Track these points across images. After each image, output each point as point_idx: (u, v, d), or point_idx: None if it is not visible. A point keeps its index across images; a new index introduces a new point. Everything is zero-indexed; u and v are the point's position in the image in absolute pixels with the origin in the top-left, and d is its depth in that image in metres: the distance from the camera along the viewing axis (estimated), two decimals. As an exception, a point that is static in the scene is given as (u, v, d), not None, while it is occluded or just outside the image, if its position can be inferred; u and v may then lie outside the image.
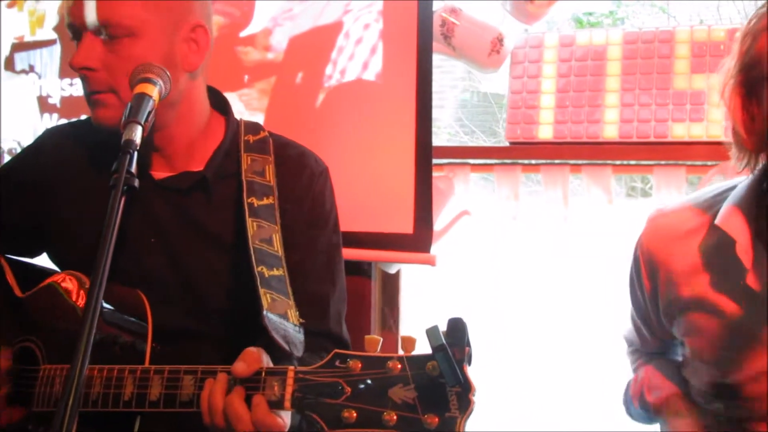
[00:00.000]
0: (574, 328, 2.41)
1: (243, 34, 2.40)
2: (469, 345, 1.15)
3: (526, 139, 2.38)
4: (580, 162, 2.33)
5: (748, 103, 1.39)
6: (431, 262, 2.28)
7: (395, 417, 1.15)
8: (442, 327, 1.16)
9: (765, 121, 1.35)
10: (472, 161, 2.44)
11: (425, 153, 2.22)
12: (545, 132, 2.36)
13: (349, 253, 2.29)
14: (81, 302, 1.54)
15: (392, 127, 2.25)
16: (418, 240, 2.23)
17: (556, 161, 2.34)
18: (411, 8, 2.21)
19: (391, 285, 2.57)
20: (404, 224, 2.24)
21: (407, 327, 2.53)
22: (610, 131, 2.30)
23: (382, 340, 1.20)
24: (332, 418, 1.18)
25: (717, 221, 1.46)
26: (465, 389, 1.14)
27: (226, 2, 2.41)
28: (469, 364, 1.15)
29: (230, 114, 1.69)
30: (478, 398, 2.42)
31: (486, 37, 2.37)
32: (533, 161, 2.39)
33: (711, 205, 1.51)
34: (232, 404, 1.25)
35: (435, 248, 2.45)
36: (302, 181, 1.64)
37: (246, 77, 2.40)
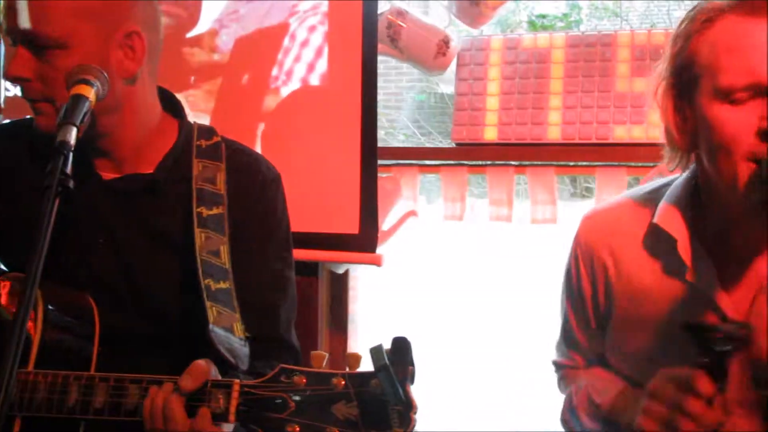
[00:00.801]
0: (519, 325, 2.44)
1: (189, 35, 2.40)
2: (412, 364, 1.16)
3: (472, 140, 2.41)
4: (524, 163, 2.37)
5: (680, 105, 1.42)
6: (377, 262, 2.30)
7: None
8: (387, 345, 1.17)
9: (697, 122, 1.38)
10: (419, 162, 2.46)
11: (370, 154, 2.24)
12: (491, 133, 2.39)
13: (296, 254, 2.30)
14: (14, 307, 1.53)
15: (338, 128, 2.27)
16: (364, 240, 2.25)
17: (501, 162, 2.38)
18: (356, 10, 2.23)
19: (339, 285, 2.58)
20: (350, 224, 2.26)
21: (355, 326, 2.54)
22: (554, 133, 2.34)
23: (328, 356, 1.21)
24: None
25: (656, 220, 1.48)
26: (407, 407, 1.15)
27: (172, 3, 2.40)
28: (412, 383, 1.17)
29: (184, 117, 1.67)
30: (420, 414, 2.45)
31: (432, 40, 2.40)
32: (479, 162, 2.42)
33: (649, 200, 1.53)
34: (171, 406, 1.26)
35: (383, 248, 2.48)
36: (254, 189, 1.64)
37: (192, 78, 2.40)
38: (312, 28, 2.28)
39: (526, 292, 2.44)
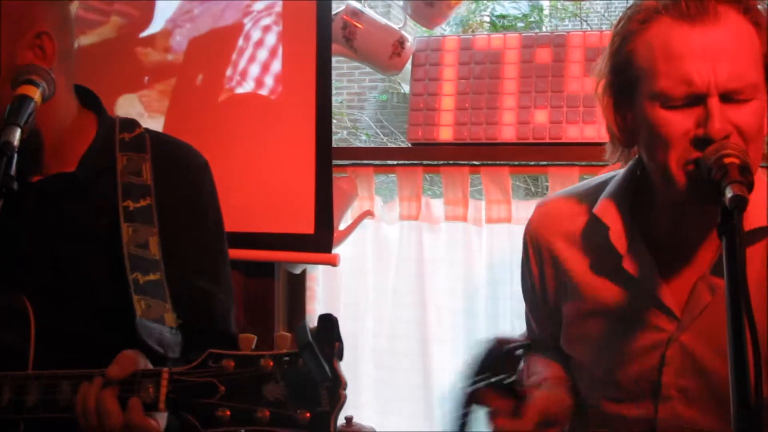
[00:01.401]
0: (475, 323, 2.45)
1: (143, 34, 2.39)
2: (339, 340, 1.16)
3: (427, 140, 2.42)
4: (478, 163, 2.39)
5: (620, 102, 1.44)
6: (333, 262, 2.31)
7: (268, 414, 1.17)
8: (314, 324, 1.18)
9: (636, 120, 1.40)
10: (375, 162, 2.47)
11: (325, 154, 2.25)
12: (446, 133, 2.41)
13: (251, 254, 2.31)
14: None
15: (293, 128, 2.27)
16: (319, 240, 2.26)
17: (456, 162, 2.39)
18: (310, 11, 2.23)
19: (296, 285, 2.59)
20: (306, 225, 2.26)
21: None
22: (508, 133, 2.36)
23: (256, 338, 1.21)
24: (206, 418, 1.19)
25: (594, 209, 1.51)
26: (335, 384, 1.16)
27: (124, 3, 2.39)
28: (340, 359, 1.17)
29: (102, 112, 1.66)
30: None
31: (387, 40, 2.41)
32: (434, 162, 2.43)
33: (592, 194, 1.56)
34: (104, 400, 1.25)
35: (339, 248, 2.49)
36: (180, 177, 1.63)
37: (146, 78, 2.39)
38: (266, 29, 2.28)
39: (481, 290, 2.45)
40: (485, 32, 5.10)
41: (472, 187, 2.44)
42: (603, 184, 1.56)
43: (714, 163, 1.23)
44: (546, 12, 6.58)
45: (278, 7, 2.28)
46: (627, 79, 1.39)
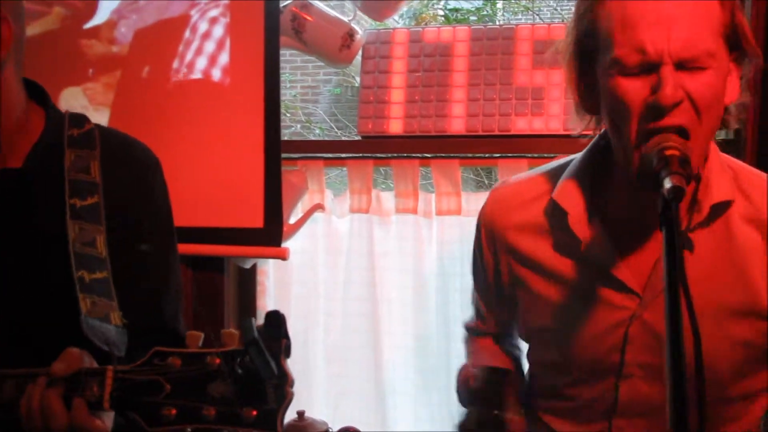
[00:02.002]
0: (426, 315, 2.46)
1: (87, 26, 2.34)
2: (286, 337, 1.15)
3: (377, 133, 2.42)
4: (428, 155, 2.39)
5: (584, 69, 1.43)
6: (283, 256, 2.29)
7: (214, 412, 1.15)
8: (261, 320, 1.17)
9: (598, 88, 1.40)
10: (325, 156, 2.46)
11: (274, 147, 2.23)
12: (396, 126, 2.41)
13: (200, 249, 2.29)
14: None
15: (241, 122, 2.24)
16: (269, 234, 2.24)
17: (406, 155, 2.39)
18: (258, 2, 2.21)
19: (246, 279, 2.57)
20: (255, 219, 2.24)
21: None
22: (457, 125, 2.37)
23: (203, 335, 1.19)
24: (152, 416, 1.17)
25: (553, 194, 1.52)
26: (282, 381, 1.14)
27: (68, -7, 2.35)
28: (287, 356, 1.16)
29: (51, 106, 1.62)
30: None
31: (336, 32, 2.40)
32: (384, 155, 2.43)
33: (551, 177, 1.56)
34: (48, 400, 1.23)
35: (289, 242, 2.47)
36: (130, 175, 1.60)
37: (91, 71, 2.34)
38: (213, 20, 2.25)
39: (432, 281, 2.45)
40: (437, 25, 5.11)
41: (423, 179, 2.45)
42: (562, 167, 1.56)
43: (656, 154, 1.25)
44: (499, 5, 6.61)
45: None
46: (591, 46, 1.40)
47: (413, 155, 2.38)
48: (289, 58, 7.04)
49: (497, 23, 6.33)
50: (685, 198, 1.40)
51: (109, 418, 1.27)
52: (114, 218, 1.53)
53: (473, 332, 1.82)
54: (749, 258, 1.43)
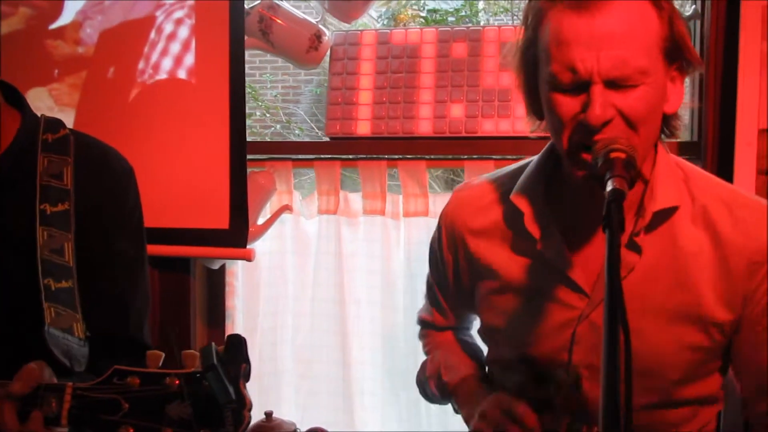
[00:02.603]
0: (395, 318, 2.47)
1: (52, 26, 2.33)
2: (246, 362, 1.17)
3: (345, 134, 2.42)
4: (395, 157, 2.40)
5: (528, 79, 1.46)
6: (248, 257, 2.29)
7: None
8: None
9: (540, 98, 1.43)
10: (293, 157, 2.46)
11: (239, 149, 2.23)
12: (363, 128, 2.41)
13: (165, 250, 2.29)
14: None
15: (207, 123, 2.25)
16: (234, 235, 2.24)
17: (373, 156, 2.40)
18: (223, 4, 2.21)
19: (215, 280, 2.57)
20: (221, 220, 2.24)
21: (232, 322, 2.53)
22: (425, 127, 2.38)
23: (163, 355, 1.20)
24: None
25: (511, 195, 1.53)
26: (240, 405, 1.16)
27: (34, -7, 2.34)
28: (246, 380, 1.18)
29: (26, 110, 1.62)
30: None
31: (304, 34, 2.40)
32: (352, 156, 2.43)
33: (510, 179, 1.58)
34: (2, 413, 1.23)
35: (257, 243, 2.48)
36: (103, 183, 1.60)
37: (56, 71, 2.33)
38: (179, 21, 2.25)
39: (400, 282, 2.46)
40: (417, 26, 5.11)
41: (391, 181, 2.46)
42: (521, 169, 1.59)
43: (602, 156, 1.27)
44: (480, 5, 6.62)
45: (190, 1, 2.25)
46: (533, 57, 1.42)
47: (380, 157, 2.39)
48: (270, 58, 6.99)
49: (479, 24, 6.35)
50: (633, 203, 1.44)
51: None
52: (85, 225, 1.53)
53: (431, 326, 1.84)
54: (696, 262, 1.45)
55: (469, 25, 2.43)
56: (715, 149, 2.02)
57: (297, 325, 2.55)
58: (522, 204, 1.51)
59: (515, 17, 6.69)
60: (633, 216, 1.44)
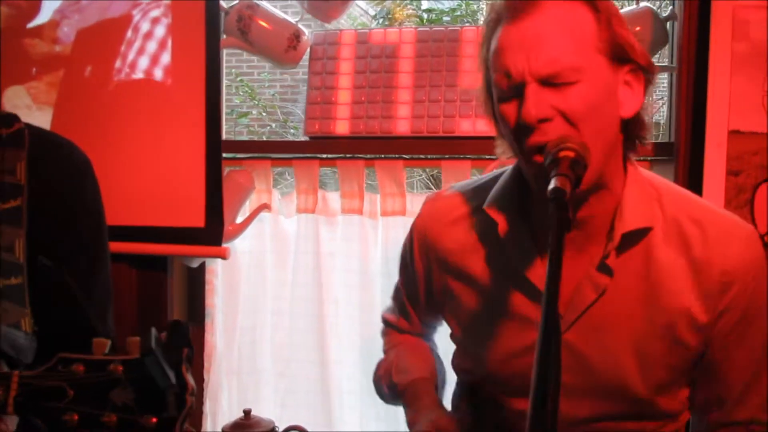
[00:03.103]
0: (372, 317, 2.47)
1: (30, 25, 2.35)
2: (188, 346, 1.19)
3: (324, 133, 2.43)
4: (373, 156, 2.40)
5: (488, 97, 1.47)
6: (223, 255, 2.30)
7: (115, 418, 1.18)
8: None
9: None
10: (272, 156, 2.47)
11: (214, 148, 2.24)
12: (342, 127, 2.42)
13: (142, 248, 2.30)
14: None
15: (183, 122, 2.26)
16: (210, 233, 2.25)
17: (351, 156, 2.40)
18: (199, 3, 2.22)
19: (195, 278, 2.58)
20: (197, 218, 2.25)
21: (212, 320, 2.54)
22: (403, 126, 2.38)
23: (110, 342, 1.21)
24: (54, 421, 1.20)
25: (485, 205, 1.53)
26: (182, 390, 1.17)
27: (12, -7, 2.35)
28: (189, 365, 1.19)
29: None
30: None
31: (282, 33, 2.40)
32: (329, 156, 2.44)
33: (483, 190, 1.57)
34: None
35: (237, 241, 2.49)
36: (59, 176, 1.60)
37: (34, 70, 2.35)
38: (155, 20, 2.26)
39: (378, 281, 2.46)
40: (412, 25, 5.12)
41: (370, 180, 2.46)
42: (495, 180, 1.58)
43: (551, 155, 1.27)
44: (475, 7, 6.63)
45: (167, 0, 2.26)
46: (488, 77, 1.44)
47: (357, 156, 2.39)
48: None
49: (474, 23, 6.35)
50: (604, 224, 1.44)
51: (12, 422, 1.28)
52: (41, 218, 1.53)
53: (394, 328, 1.84)
54: (669, 283, 1.44)
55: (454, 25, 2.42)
56: (687, 150, 2.02)
57: (276, 323, 2.56)
58: (497, 217, 1.51)
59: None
60: (605, 237, 1.45)
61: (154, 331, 1.16)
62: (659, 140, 2.18)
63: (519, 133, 1.35)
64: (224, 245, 2.31)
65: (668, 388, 1.50)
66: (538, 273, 1.48)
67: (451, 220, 1.61)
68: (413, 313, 1.77)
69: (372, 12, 6.60)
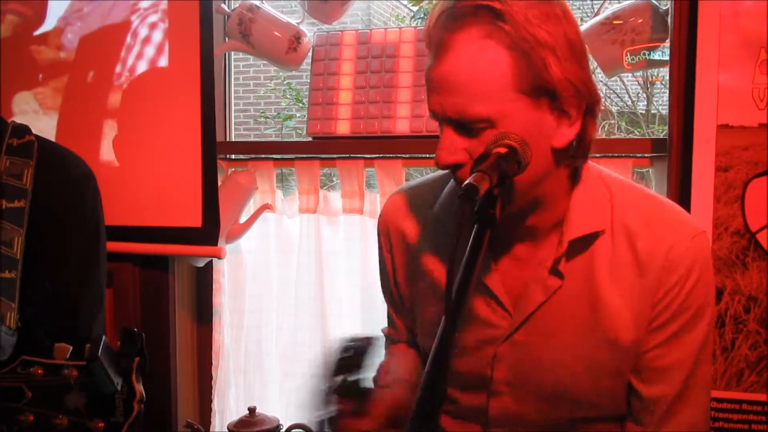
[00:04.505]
0: (374, 316, 2.48)
1: (36, 33, 2.43)
2: (140, 355, 1.24)
3: (326, 134, 2.45)
4: (372, 156, 2.41)
5: None
6: (218, 255, 2.34)
7: (66, 421, 1.26)
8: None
9: None
10: (274, 156, 2.50)
11: (210, 149, 2.28)
12: (343, 127, 2.43)
13: (141, 248, 2.36)
14: None
15: (180, 124, 2.30)
16: (207, 233, 2.29)
17: (350, 156, 2.41)
18: (194, 6, 2.26)
19: (203, 278, 2.63)
20: (194, 218, 2.30)
21: (219, 319, 2.58)
22: (402, 126, 2.38)
23: (71, 348, 1.27)
24: (10, 421, 1.27)
25: (435, 208, 1.54)
26: (130, 396, 1.24)
27: (19, 2, 2.43)
28: (141, 373, 1.25)
29: None
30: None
31: (283, 35, 2.43)
32: (328, 156, 2.45)
33: (442, 184, 1.57)
34: None
35: (244, 241, 2.53)
36: (60, 186, 1.70)
37: (41, 76, 2.43)
38: (153, 26, 2.31)
39: (377, 281, 2.46)
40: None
41: (372, 179, 2.47)
42: (446, 179, 1.57)
43: (485, 150, 1.25)
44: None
45: (164, 5, 2.31)
46: None
47: (356, 156, 2.40)
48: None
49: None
50: (556, 229, 1.42)
51: None
52: (42, 223, 1.63)
53: (388, 339, 1.84)
54: (616, 286, 1.42)
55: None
56: (679, 146, 1.97)
57: (281, 322, 2.59)
58: (445, 214, 1.51)
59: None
60: (555, 243, 1.43)
61: (105, 339, 1.22)
62: (656, 136, 2.14)
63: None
64: (221, 245, 2.35)
65: (617, 392, 1.47)
66: (492, 278, 1.47)
67: (411, 211, 1.61)
68: (396, 318, 1.76)
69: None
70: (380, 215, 1.69)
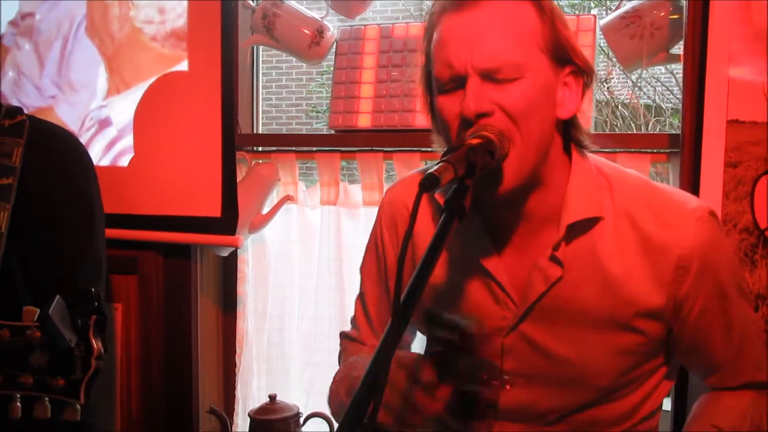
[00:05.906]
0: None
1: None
2: (96, 313, 1.29)
3: (347, 127, 2.48)
4: (391, 149, 2.43)
5: (428, 93, 1.49)
6: (235, 244, 2.39)
7: (31, 380, 1.32)
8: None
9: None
10: (295, 149, 2.54)
11: (229, 141, 2.33)
12: (364, 121, 2.46)
13: (161, 236, 2.43)
14: None
15: (202, 116, 2.36)
16: (225, 223, 2.34)
17: (369, 149, 2.44)
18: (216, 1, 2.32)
19: (228, 267, 2.68)
20: (214, 208, 2.35)
21: (244, 307, 2.63)
22: (421, 120, 2.40)
23: (38, 311, 1.32)
24: None
25: (436, 192, 1.54)
26: (88, 353, 1.29)
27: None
28: (99, 331, 1.29)
29: None
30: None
31: (306, 29, 2.47)
32: (352, 149, 2.48)
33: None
34: None
35: (267, 232, 2.58)
36: (51, 164, 1.75)
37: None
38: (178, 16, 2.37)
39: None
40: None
41: (391, 172, 2.49)
42: None
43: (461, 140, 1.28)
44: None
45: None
46: (428, 71, 1.45)
47: (375, 149, 2.43)
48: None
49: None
50: (552, 215, 1.44)
51: None
52: (34, 200, 1.69)
53: (358, 342, 1.85)
54: (621, 270, 1.43)
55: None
56: (691, 141, 1.95)
57: (302, 312, 2.63)
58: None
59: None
60: (553, 230, 1.45)
61: (57, 299, 1.28)
62: (671, 131, 2.12)
63: (458, 127, 1.36)
64: (241, 235, 2.40)
65: (630, 375, 1.49)
66: (492, 262, 1.49)
67: (410, 198, 1.61)
68: (374, 313, 1.78)
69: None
70: (383, 200, 1.76)
